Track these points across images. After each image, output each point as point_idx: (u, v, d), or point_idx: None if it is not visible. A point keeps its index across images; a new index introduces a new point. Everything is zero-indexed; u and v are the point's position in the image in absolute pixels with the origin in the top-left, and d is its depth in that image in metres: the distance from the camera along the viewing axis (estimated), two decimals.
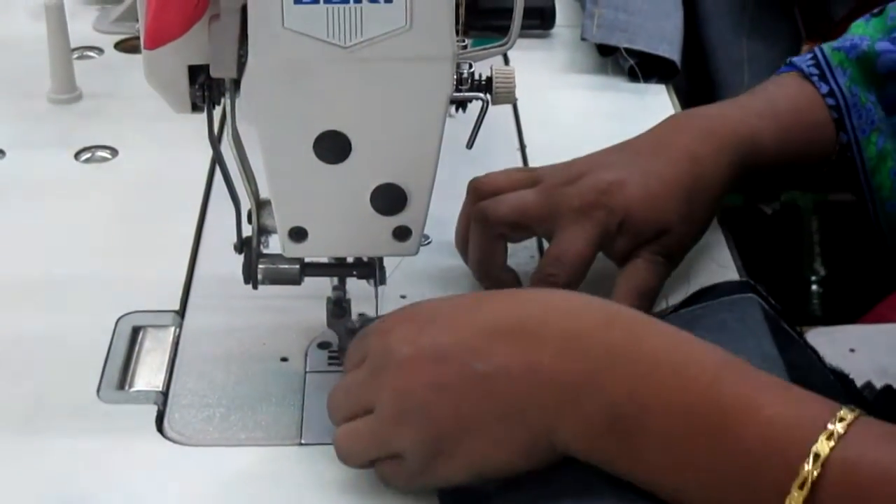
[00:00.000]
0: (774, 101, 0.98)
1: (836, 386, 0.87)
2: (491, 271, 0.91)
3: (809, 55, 1.02)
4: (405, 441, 0.71)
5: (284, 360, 0.86)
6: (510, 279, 0.91)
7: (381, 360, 0.72)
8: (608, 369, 0.68)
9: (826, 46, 1.02)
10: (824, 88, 0.99)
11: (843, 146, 1.00)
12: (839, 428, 0.63)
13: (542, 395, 0.68)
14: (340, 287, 0.82)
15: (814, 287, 1.58)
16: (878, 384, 1.09)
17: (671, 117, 0.99)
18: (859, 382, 1.07)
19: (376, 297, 0.84)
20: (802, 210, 1.65)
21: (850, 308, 1.47)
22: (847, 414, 0.64)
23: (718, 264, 0.95)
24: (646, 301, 0.89)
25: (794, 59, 1.03)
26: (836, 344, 1.00)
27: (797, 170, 0.99)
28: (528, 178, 0.92)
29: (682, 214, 0.90)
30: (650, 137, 0.95)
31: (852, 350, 1.11)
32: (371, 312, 0.84)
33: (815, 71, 1.00)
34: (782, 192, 1.03)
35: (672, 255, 0.91)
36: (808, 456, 0.63)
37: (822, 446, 0.63)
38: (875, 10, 1.02)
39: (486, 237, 0.90)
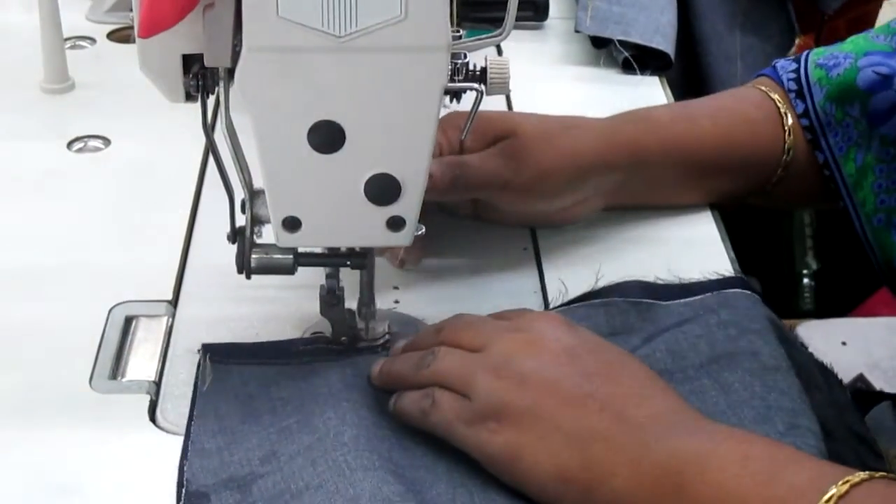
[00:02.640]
0: (722, 121, 1.00)
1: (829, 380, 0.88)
2: None
3: (793, 66, 1.02)
4: (483, 385, 0.74)
5: None
6: None
7: (501, 361, 0.75)
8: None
9: (812, 58, 1.02)
10: (800, 107, 1.00)
11: (820, 165, 1.00)
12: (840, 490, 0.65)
13: (619, 440, 0.70)
14: (334, 276, 0.82)
15: (806, 281, 1.58)
16: (870, 376, 1.10)
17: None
18: (852, 374, 1.08)
19: (362, 289, 0.84)
20: None
21: (841, 301, 1.48)
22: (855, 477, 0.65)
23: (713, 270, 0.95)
24: (443, 174, 0.90)
25: (779, 63, 1.03)
26: (828, 337, 1.01)
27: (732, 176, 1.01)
28: None
29: (534, 126, 0.93)
30: None
31: (844, 343, 1.12)
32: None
33: (794, 86, 1.01)
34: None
35: (519, 158, 0.92)
36: None
37: None
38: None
39: None
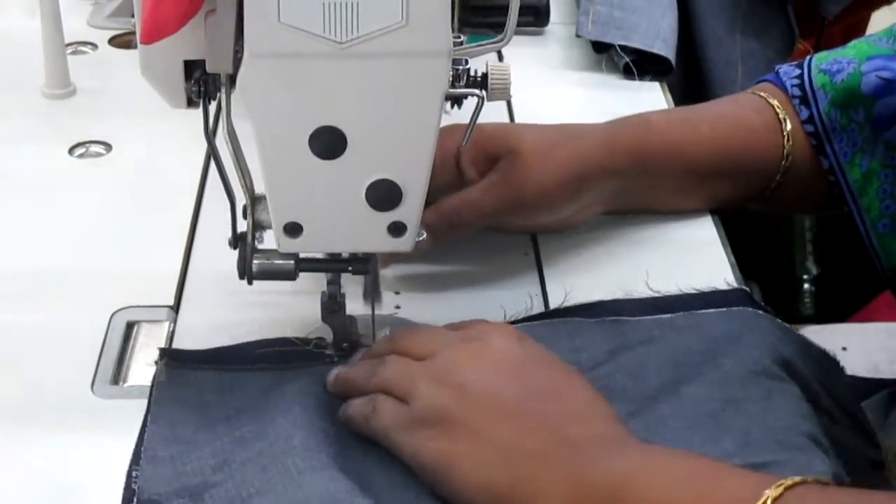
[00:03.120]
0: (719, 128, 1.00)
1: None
2: None
3: (796, 71, 1.02)
4: (423, 391, 0.73)
5: None
6: None
7: (445, 367, 0.75)
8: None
9: (815, 63, 1.02)
10: (805, 114, 1.00)
11: (825, 170, 1.00)
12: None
13: (553, 459, 0.70)
14: (335, 282, 0.82)
15: (806, 286, 1.58)
16: None
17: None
18: None
19: (364, 294, 0.84)
20: None
21: (842, 306, 1.48)
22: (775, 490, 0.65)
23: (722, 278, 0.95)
24: (445, 217, 0.90)
25: (782, 69, 1.03)
26: (828, 342, 1.01)
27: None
28: None
29: (533, 138, 0.93)
30: None
31: (844, 348, 1.12)
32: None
33: (797, 92, 1.01)
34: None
35: (520, 178, 0.91)
36: None
37: None
38: None
39: None
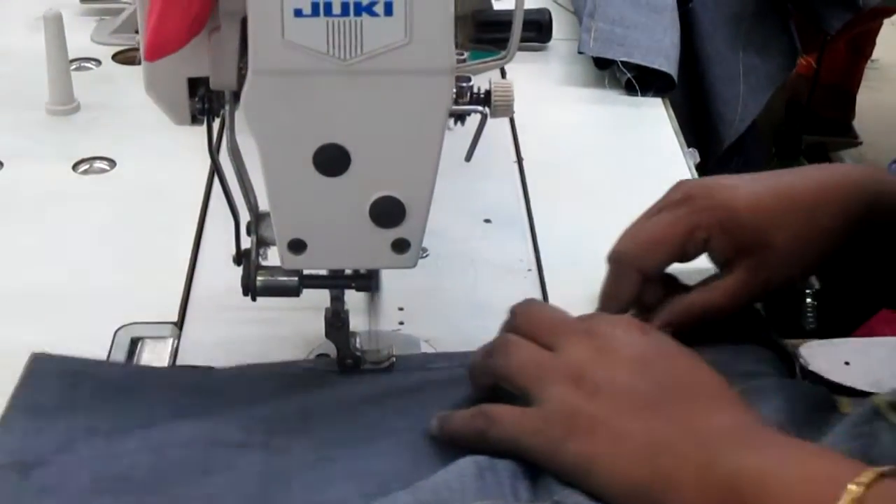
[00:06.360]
0: None
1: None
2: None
3: None
4: (556, 393, 0.73)
5: None
6: None
7: (589, 326, 0.77)
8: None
9: None
10: None
11: None
12: (858, 490, 0.64)
13: (686, 453, 0.70)
14: (339, 299, 0.82)
15: (808, 300, 1.58)
16: None
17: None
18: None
19: (368, 310, 0.84)
20: None
21: (843, 321, 1.48)
22: (866, 476, 0.64)
23: None
24: (691, 318, 0.87)
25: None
26: (830, 357, 1.01)
27: None
28: None
29: (789, 231, 0.88)
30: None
31: (847, 363, 1.11)
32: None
33: None
34: None
35: (769, 276, 0.88)
36: None
37: None
38: None
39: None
